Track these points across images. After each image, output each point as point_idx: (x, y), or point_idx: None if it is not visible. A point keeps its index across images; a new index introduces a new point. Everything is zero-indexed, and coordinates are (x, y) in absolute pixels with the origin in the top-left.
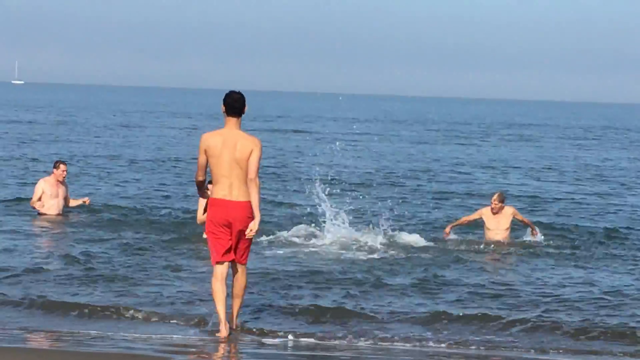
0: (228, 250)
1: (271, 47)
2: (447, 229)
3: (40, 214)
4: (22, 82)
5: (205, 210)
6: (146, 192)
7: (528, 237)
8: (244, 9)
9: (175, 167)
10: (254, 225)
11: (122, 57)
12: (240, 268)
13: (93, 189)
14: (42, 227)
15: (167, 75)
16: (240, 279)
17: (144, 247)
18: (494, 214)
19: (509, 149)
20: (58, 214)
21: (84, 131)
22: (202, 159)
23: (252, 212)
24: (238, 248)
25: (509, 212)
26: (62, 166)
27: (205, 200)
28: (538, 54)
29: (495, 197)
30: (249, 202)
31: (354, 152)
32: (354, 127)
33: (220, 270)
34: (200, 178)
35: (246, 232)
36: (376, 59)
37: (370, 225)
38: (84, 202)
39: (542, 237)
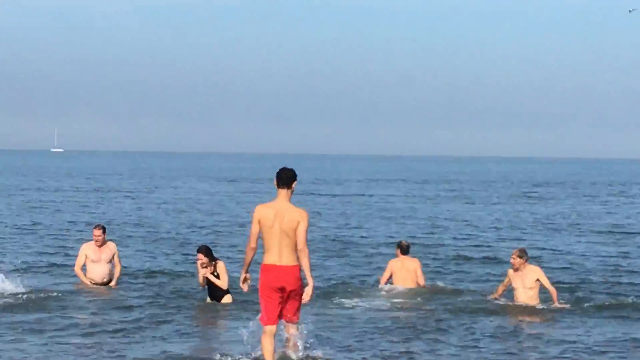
0: (276, 313)
1: (310, 111)
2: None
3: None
4: (61, 150)
5: (204, 278)
6: (176, 258)
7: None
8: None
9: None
10: (308, 291)
11: (161, 123)
12: (293, 327)
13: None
14: (80, 295)
15: (206, 141)
16: (293, 331)
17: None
18: (515, 270)
19: None
20: (103, 282)
21: (122, 197)
22: (255, 228)
23: (300, 276)
24: (289, 309)
25: (532, 270)
26: (95, 231)
27: (203, 266)
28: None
29: (514, 252)
30: (297, 266)
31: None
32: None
33: (270, 329)
34: (253, 245)
35: (303, 298)
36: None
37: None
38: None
39: (561, 305)
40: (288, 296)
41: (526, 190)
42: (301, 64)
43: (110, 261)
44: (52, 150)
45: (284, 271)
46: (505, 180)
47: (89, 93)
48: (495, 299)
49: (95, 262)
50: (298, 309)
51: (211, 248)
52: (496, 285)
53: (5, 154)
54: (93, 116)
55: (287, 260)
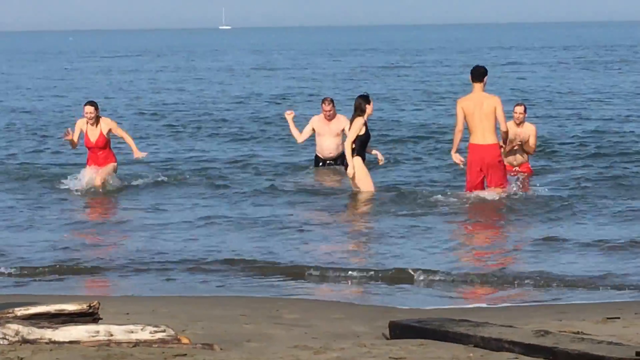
0: (476, 182)
1: None
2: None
3: (318, 156)
4: (229, 27)
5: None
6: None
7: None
8: None
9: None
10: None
11: None
12: (499, 189)
13: None
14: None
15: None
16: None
17: None
18: (517, 124)
19: None
20: (330, 156)
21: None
22: (460, 116)
23: (499, 153)
24: (494, 180)
25: (529, 127)
26: (325, 106)
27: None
28: None
29: (516, 107)
30: (497, 144)
31: None
32: None
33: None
34: (460, 128)
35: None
36: None
37: None
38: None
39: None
40: (489, 168)
41: None
42: None
43: (339, 135)
44: (220, 27)
45: (485, 148)
46: None
47: None
48: None
49: (321, 135)
50: (502, 177)
51: None
52: None
53: (176, 33)
54: None
55: (487, 139)
